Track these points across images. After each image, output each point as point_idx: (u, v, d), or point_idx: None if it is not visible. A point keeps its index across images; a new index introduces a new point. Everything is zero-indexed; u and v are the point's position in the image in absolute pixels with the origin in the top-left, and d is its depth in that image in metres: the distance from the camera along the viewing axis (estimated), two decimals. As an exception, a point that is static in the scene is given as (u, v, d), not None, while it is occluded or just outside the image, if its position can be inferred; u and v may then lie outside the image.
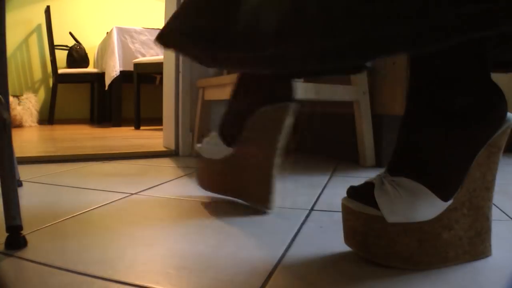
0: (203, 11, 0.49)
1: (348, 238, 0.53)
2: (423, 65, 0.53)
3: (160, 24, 2.94)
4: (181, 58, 1.52)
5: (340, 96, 1.26)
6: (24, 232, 0.56)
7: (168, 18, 1.65)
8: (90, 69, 3.62)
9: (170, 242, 0.58)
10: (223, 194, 0.81)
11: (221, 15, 0.46)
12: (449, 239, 0.49)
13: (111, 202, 0.81)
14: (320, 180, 1.06)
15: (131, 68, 2.96)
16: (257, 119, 0.70)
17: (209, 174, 0.81)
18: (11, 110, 2.74)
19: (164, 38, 0.56)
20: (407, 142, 0.53)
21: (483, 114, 0.50)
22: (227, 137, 0.76)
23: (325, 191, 0.92)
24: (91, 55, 3.75)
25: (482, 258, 0.52)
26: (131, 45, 3.13)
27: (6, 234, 0.55)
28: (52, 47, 3.21)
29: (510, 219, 0.71)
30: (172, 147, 1.59)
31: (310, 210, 0.76)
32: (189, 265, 0.50)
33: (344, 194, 0.54)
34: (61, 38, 3.51)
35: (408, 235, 0.48)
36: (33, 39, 3.58)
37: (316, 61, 0.40)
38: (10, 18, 3.34)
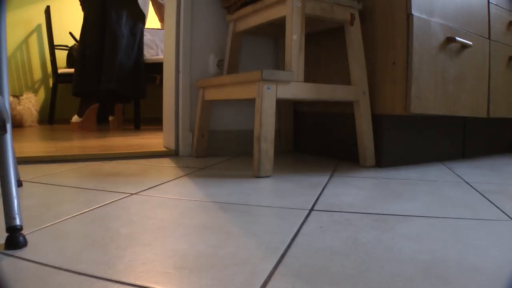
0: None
1: None
2: None
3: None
4: (181, 58, 1.52)
5: (340, 96, 1.26)
6: (24, 232, 0.56)
7: (168, 18, 1.65)
8: (90, 69, 3.61)
9: (170, 242, 0.58)
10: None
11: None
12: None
13: (111, 202, 0.81)
14: (320, 180, 1.06)
15: (131, 68, 2.95)
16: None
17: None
18: (11, 110, 2.75)
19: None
20: None
21: None
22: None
23: (325, 191, 0.92)
24: (91, 55, 3.73)
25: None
26: (131, 45, 3.12)
27: (6, 234, 0.55)
28: (52, 47, 3.21)
29: (510, 219, 0.71)
30: (172, 147, 1.59)
31: (310, 210, 0.76)
32: (189, 265, 0.50)
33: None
34: (61, 38, 3.50)
35: None
36: (33, 39, 3.58)
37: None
38: (10, 18, 3.34)
